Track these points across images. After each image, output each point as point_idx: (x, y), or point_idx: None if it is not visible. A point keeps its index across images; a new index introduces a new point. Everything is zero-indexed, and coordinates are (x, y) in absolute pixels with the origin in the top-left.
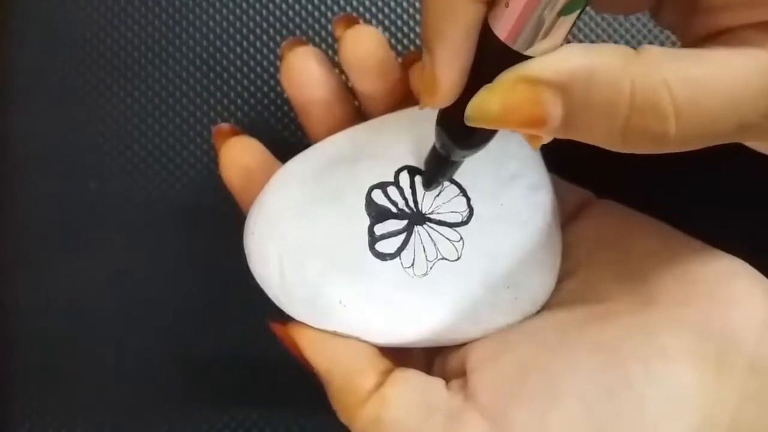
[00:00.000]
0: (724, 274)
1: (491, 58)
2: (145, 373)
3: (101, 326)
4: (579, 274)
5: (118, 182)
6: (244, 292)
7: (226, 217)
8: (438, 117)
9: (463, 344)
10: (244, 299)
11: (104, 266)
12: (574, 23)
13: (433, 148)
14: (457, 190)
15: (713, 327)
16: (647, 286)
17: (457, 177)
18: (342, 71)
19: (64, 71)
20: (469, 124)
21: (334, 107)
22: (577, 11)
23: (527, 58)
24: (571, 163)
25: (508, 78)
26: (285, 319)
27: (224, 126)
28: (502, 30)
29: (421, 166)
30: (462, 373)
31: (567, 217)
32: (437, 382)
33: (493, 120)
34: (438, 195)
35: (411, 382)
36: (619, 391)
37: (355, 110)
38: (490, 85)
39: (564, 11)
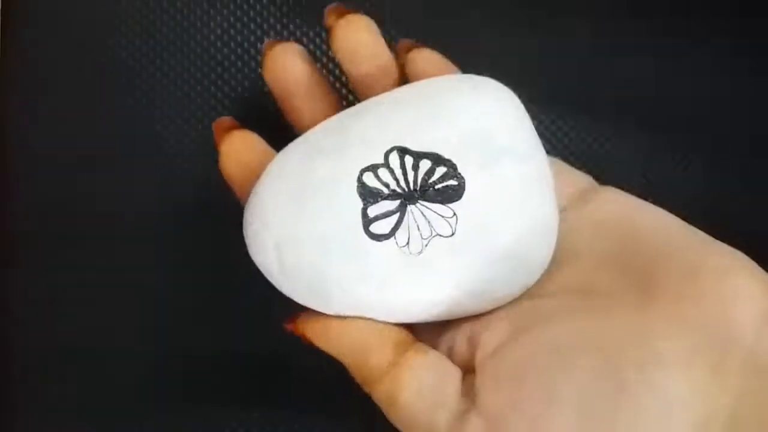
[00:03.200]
0: (724, 269)
1: None
2: (145, 374)
3: (101, 326)
4: (579, 262)
5: (118, 182)
6: (244, 292)
7: (226, 216)
8: None
9: (472, 335)
10: (245, 299)
11: (104, 266)
12: None
13: None
14: (447, 167)
15: (712, 324)
16: (647, 279)
17: (446, 153)
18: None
19: (64, 71)
20: None
21: (318, 100)
22: None
23: None
24: (571, 154)
25: None
26: (292, 311)
27: (225, 119)
28: None
29: (410, 146)
30: (473, 366)
31: (569, 202)
32: (454, 373)
33: None
34: (428, 173)
35: (428, 367)
36: (615, 398)
37: (339, 101)
38: None
39: None
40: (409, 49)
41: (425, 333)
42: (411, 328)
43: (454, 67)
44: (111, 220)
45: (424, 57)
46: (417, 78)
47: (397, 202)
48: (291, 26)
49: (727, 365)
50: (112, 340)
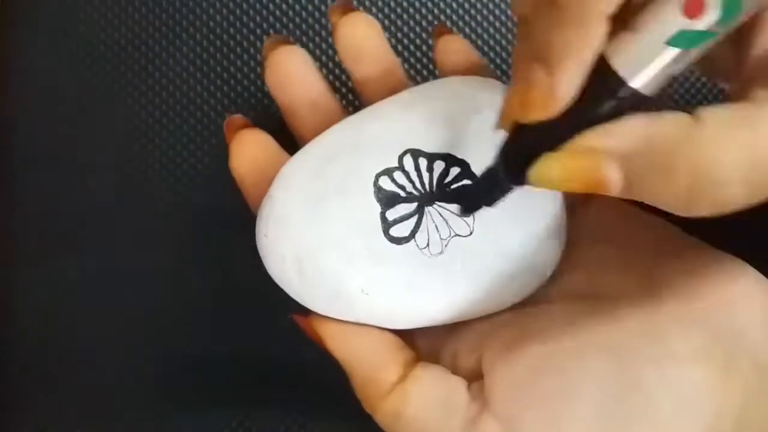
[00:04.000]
0: (727, 273)
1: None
2: (146, 374)
3: (102, 327)
4: (584, 266)
5: (118, 181)
6: (244, 292)
7: (226, 215)
8: (505, 146)
9: (478, 339)
10: (245, 299)
11: (104, 266)
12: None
13: (487, 174)
14: (461, 167)
15: (719, 325)
16: (653, 281)
17: (458, 154)
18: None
19: (65, 71)
20: (531, 185)
21: (321, 106)
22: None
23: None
24: None
25: (571, 147)
26: (293, 311)
27: (236, 118)
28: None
29: (422, 148)
30: (480, 372)
31: (568, 209)
32: (459, 383)
33: (555, 183)
34: (443, 174)
35: (433, 380)
36: (630, 393)
37: (341, 108)
38: (553, 153)
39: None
40: (441, 34)
41: (430, 341)
42: (416, 337)
43: (481, 60)
44: (111, 221)
45: (453, 47)
46: (444, 67)
47: (414, 205)
48: (298, 31)
49: (736, 364)
50: (112, 342)
